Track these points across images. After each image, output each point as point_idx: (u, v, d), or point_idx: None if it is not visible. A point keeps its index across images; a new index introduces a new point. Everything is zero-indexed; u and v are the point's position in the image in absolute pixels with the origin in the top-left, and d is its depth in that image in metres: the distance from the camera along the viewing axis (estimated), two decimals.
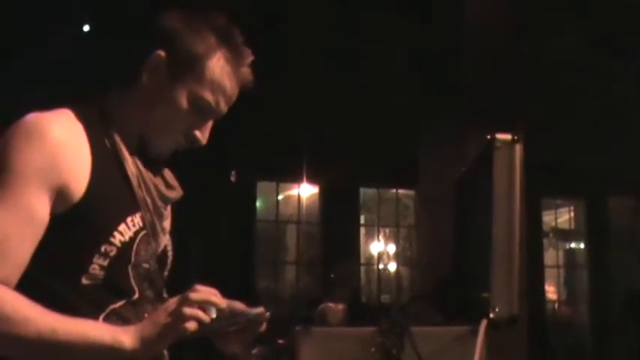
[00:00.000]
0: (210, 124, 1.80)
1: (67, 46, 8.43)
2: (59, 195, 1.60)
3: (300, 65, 10.31)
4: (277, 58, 9.86)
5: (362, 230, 12.79)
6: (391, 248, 13.25)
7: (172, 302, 1.59)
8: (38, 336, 1.51)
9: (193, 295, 1.57)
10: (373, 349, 2.09)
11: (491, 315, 2.00)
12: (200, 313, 1.56)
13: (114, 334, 1.56)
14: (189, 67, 1.72)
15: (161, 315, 1.57)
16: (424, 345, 2.07)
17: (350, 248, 11.91)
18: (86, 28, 8.86)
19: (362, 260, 12.58)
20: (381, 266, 13.10)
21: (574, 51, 10.69)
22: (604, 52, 10.56)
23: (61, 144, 1.61)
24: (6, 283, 1.54)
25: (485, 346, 2.06)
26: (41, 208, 1.59)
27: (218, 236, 10.17)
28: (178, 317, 1.55)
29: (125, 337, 1.56)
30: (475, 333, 2.00)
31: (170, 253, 1.84)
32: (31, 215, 1.57)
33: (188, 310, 1.55)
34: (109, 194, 1.66)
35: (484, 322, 2.00)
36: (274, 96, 9.85)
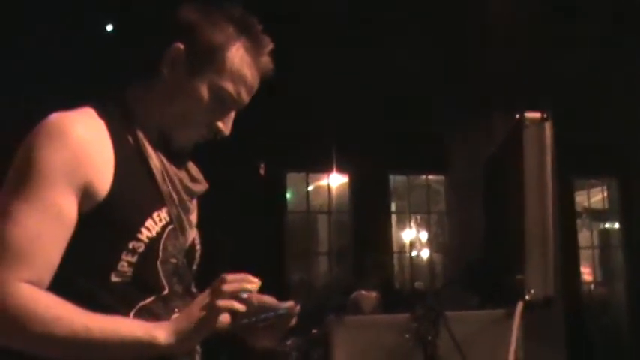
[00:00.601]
0: (232, 114, 1.79)
1: (88, 45, 8.48)
2: (85, 194, 1.60)
3: (326, 55, 10.27)
4: (301, 49, 9.84)
5: (393, 218, 12.74)
6: (423, 235, 13.20)
7: (205, 295, 1.58)
8: (73, 334, 1.52)
9: (225, 287, 1.56)
10: (407, 336, 2.07)
11: (526, 297, 1.97)
12: (235, 304, 1.55)
13: (148, 330, 1.56)
14: (209, 59, 1.72)
15: (195, 309, 1.57)
16: (459, 329, 2.05)
17: (382, 236, 11.89)
18: (109, 27, 8.91)
19: (394, 248, 12.55)
20: (413, 253, 13.07)
21: (607, 30, 10.55)
22: (638, 31, 10.41)
23: (84, 143, 1.61)
24: (38, 284, 1.55)
25: (522, 328, 2.04)
26: (69, 208, 1.59)
27: (249, 229, 10.18)
28: (212, 310, 1.55)
29: (159, 332, 1.56)
30: (511, 315, 1.98)
31: (198, 247, 1.84)
32: (60, 215, 1.57)
33: (222, 302, 1.54)
34: (134, 190, 1.66)
35: (520, 304, 1.97)
36: (300, 87, 9.86)
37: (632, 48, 10.47)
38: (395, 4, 9.73)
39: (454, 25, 6.31)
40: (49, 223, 1.56)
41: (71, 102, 1.71)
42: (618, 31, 10.55)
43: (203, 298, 1.58)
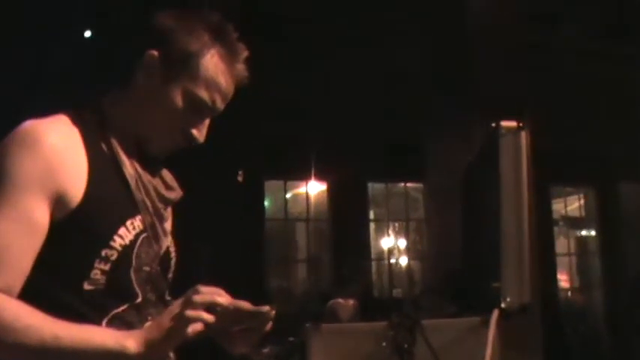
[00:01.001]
0: (207, 122, 1.79)
1: (65, 52, 8.44)
2: (57, 201, 1.59)
3: (304, 63, 10.29)
4: (281, 57, 9.84)
5: (372, 225, 12.75)
6: (402, 242, 13.21)
7: (176, 305, 1.57)
8: (41, 343, 1.50)
9: (196, 297, 1.55)
10: (384, 344, 2.07)
11: (502, 305, 1.98)
12: (204, 315, 1.54)
13: (118, 339, 1.54)
14: (183, 66, 1.71)
15: (165, 318, 1.56)
16: (436, 337, 2.05)
17: (360, 244, 11.89)
18: (87, 33, 8.87)
19: (373, 255, 12.55)
20: (392, 260, 13.08)
21: (583, 38, 10.64)
22: (614, 39, 10.51)
23: (57, 150, 1.60)
24: (8, 292, 1.53)
25: (499, 336, 2.05)
26: (40, 216, 1.57)
27: (227, 236, 10.15)
28: (182, 320, 1.53)
29: (129, 341, 1.54)
30: (487, 323, 1.99)
31: (173, 255, 1.83)
32: (31, 223, 1.56)
33: (191, 313, 1.53)
34: (107, 198, 1.65)
35: (496, 312, 1.98)
36: (278, 94, 9.86)
37: (612, 56, 10.56)
38: (376, 16, 9.77)
39: (433, 36, 6.34)
40: (20, 231, 1.55)
41: (48, 109, 1.71)
42: (597, 39, 10.64)
43: (174, 307, 1.57)
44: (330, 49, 10.37)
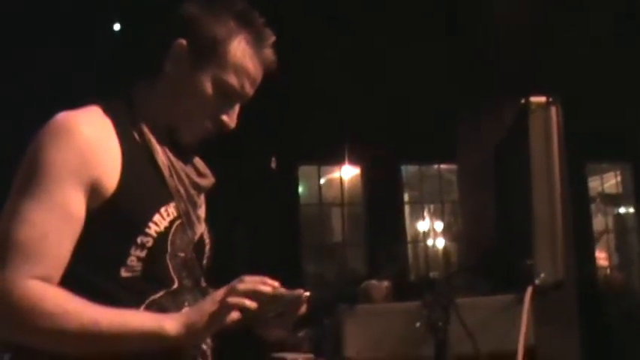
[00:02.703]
0: (237, 108, 1.80)
1: (95, 44, 8.50)
2: (92, 191, 1.61)
3: (335, 48, 10.27)
4: (312, 42, 9.84)
5: (406, 208, 12.73)
6: (437, 224, 13.17)
7: (220, 292, 1.60)
8: (82, 328, 1.53)
9: (240, 286, 1.58)
10: (418, 324, 2.07)
11: (536, 281, 1.96)
12: (246, 302, 1.56)
13: (157, 322, 1.57)
14: (211, 53, 1.72)
15: (207, 304, 1.59)
16: (470, 315, 2.04)
17: (395, 227, 11.88)
18: (117, 27, 8.92)
19: (408, 238, 12.53)
20: (428, 243, 13.04)
21: (623, 15, 10.48)
22: None
23: (91, 140, 1.63)
24: (48, 281, 1.56)
25: (534, 313, 2.04)
26: (77, 205, 1.60)
27: (263, 223, 10.20)
28: (223, 306, 1.56)
29: (168, 323, 1.57)
30: (521, 301, 1.97)
31: (207, 241, 1.84)
32: (68, 212, 1.59)
33: (233, 299, 1.56)
34: (141, 186, 1.67)
35: (529, 289, 1.97)
36: (310, 80, 9.86)
37: None
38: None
39: (461, 13, 6.28)
40: (57, 221, 1.57)
41: (80, 102, 1.73)
42: (634, 16, 10.48)
43: (218, 294, 1.60)
44: (362, 34, 10.34)
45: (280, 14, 1.83)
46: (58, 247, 1.58)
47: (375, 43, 10.42)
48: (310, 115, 10.32)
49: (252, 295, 1.57)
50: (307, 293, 1.65)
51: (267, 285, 1.60)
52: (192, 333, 1.57)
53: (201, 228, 1.81)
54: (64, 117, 1.65)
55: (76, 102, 1.72)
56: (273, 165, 9.93)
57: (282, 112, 9.81)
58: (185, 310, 1.64)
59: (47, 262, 1.56)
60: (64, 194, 1.58)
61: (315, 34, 9.87)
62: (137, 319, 1.58)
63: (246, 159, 9.27)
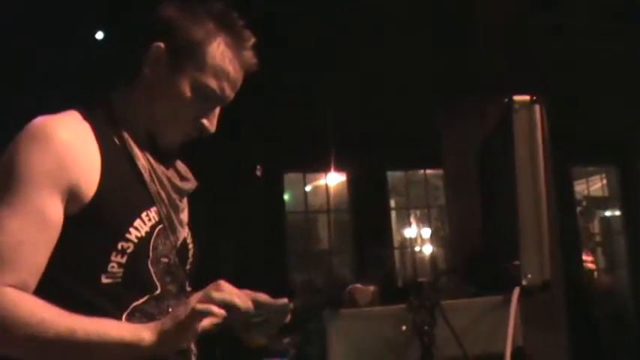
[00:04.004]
0: (217, 111, 1.79)
1: (73, 51, 8.49)
2: (71, 196, 1.59)
3: (319, 53, 10.26)
4: (295, 48, 9.83)
5: (393, 214, 12.73)
6: (424, 230, 13.19)
7: (194, 298, 1.58)
8: (57, 337, 1.50)
9: (215, 295, 1.56)
10: (404, 327, 2.05)
11: (523, 282, 1.95)
12: (215, 309, 1.53)
13: (134, 331, 1.55)
14: (190, 56, 1.71)
15: (181, 310, 1.56)
16: (457, 318, 2.03)
17: (382, 233, 11.87)
18: (99, 35, 8.90)
19: (395, 244, 12.54)
20: (415, 248, 13.06)
21: (607, 17, 10.51)
22: (632, 17, 10.37)
23: (69, 145, 1.60)
24: (23, 288, 1.53)
25: (521, 314, 2.02)
26: (54, 211, 1.57)
27: (249, 231, 10.18)
28: (192, 313, 1.53)
29: (145, 333, 1.54)
30: (508, 302, 1.96)
31: (191, 246, 1.82)
32: (44, 218, 1.56)
33: (201, 307, 1.53)
34: (121, 191, 1.65)
35: (516, 290, 1.95)
36: (294, 86, 9.85)
37: (632, 35, 10.43)
38: (386, 4, 9.72)
39: (444, 16, 6.29)
40: (33, 227, 1.55)
41: (59, 108, 1.71)
42: (618, 18, 10.52)
43: (192, 300, 1.58)
44: (346, 40, 10.34)
45: (267, 21, 1.81)
46: (34, 255, 1.55)
47: (360, 49, 10.41)
48: (295, 122, 10.30)
49: (225, 305, 1.55)
50: (291, 304, 1.64)
51: (242, 300, 1.58)
52: (166, 341, 1.54)
53: (184, 232, 1.79)
54: (42, 121, 1.63)
55: (54, 109, 1.70)
56: (259, 173, 9.90)
57: (267, 119, 9.80)
58: (163, 318, 1.61)
59: (22, 269, 1.53)
60: (40, 200, 1.55)
61: (301, 41, 9.86)
62: (114, 329, 1.55)
63: (232, 167, 9.24)
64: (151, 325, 1.57)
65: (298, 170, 11.88)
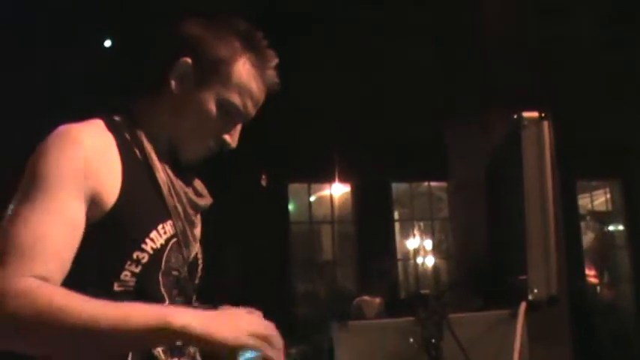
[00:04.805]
0: (239, 127, 1.82)
1: (94, 60, 8.51)
2: (93, 202, 1.60)
3: (326, 65, 10.29)
4: (303, 59, 9.85)
5: (397, 225, 12.73)
6: (427, 242, 13.18)
7: (258, 316, 1.59)
8: (80, 322, 1.44)
9: (276, 340, 1.54)
10: (412, 340, 2.06)
11: (530, 297, 1.96)
12: (258, 344, 1.52)
13: (160, 316, 1.47)
14: (216, 72, 1.74)
15: (238, 316, 1.55)
16: (464, 331, 2.04)
17: (386, 244, 11.87)
18: (107, 43, 8.92)
19: (398, 256, 12.53)
20: (418, 260, 13.04)
21: (610, 29, 10.51)
22: (633, 28, 10.37)
23: (95, 152, 1.63)
24: (48, 281, 1.49)
25: (527, 330, 2.03)
26: (78, 213, 1.58)
27: (253, 241, 10.18)
28: (246, 334, 1.51)
29: (176, 317, 1.47)
30: (515, 316, 1.97)
31: (200, 261, 1.84)
32: (69, 218, 1.56)
33: (253, 341, 1.51)
34: (140, 202, 1.67)
35: (523, 305, 1.96)
36: (300, 97, 9.86)
37: (636, 47, 10.44)
38: (392, 13, 9.75)
39: (450, 28, 6.31)
40: (57, 224, 1.54)
41: (74, 119, 1.72)
42: (622, 30, 10.52)
43: (256, 317, 1.58)
44: (351, 50, 10.36)
45: (272, 33, 1.83)
46: (60, 250, 1.54)
47: (366, 60, 10.44)
48: (300, 133, 10.32)
49: (265, 345, 1.53)
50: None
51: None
52: (202, 329, 1.47)
53: (196, 247, 1.81)
54: (70, 128, 1.65)
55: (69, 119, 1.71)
56: (264, 183, 9.92)
57: (273, 129, 9.81)
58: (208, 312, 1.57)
59: (46, 261, 1.51)
60: (66, 200, 1.56)
61: (306, 52, 9.88)
62: (139, 312, 1.48)
63: (237, 177, 9.25)
64: (184, 310, 1.53)
65: (303, 180, 11.89)
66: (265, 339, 1.53)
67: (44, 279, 1.49)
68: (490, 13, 5.85)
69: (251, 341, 1.51)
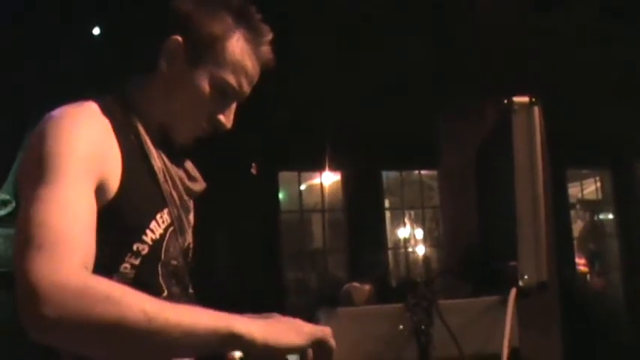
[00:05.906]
0: (233, 107, 1.76)
1: (83, 43, 8.46)
2: (99, 188, 1.50)
3: (316, 53, 10.26)
4: (291, 48, 9.81)
5: (387, 214, 12.75)
6: (418, 230, 13.21)
7: (318, 327, 1.52)
8: (147, 317, 1.31)
9: (332, 343, 1.51)
10: (401, 326, 2.05)
11: (520, 283, 1.96)
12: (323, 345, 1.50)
13: (227, 321, 1.37)
14: (209, 50, 1.68)
15: (300, 324, 1.48)
16: (453, 318, 2.03)
17: (376, 233, 11.88)
18: (96, 31, 8.86)
19: (389, 244, 12.55)
20: (409, 249, 13.07)
21: (600, 19, 10.51)
22: (631, 21, 10.38)
23: (100, 135, 1.56)
24: (88, 269, 1.38)
25: (517, 317, 2.02)
26: (91, 198, 1.47)
27: (243, 229, 10.17)
28: (328, 333, 1.50)
29: (238, 324, 1.37)
30: (505, 302, 1.96)
31: (191, 246, 1.80)
32: (87, 202, 1.45)
33: (333, 341, 1.50)
34: (139, 191, 1.61)
35: (513, 291, 1.96)
36: (290, 85, 9.83)
37: (626, 37, 10.45)
38: (385, 5, 9.73)
39: (441, 16, 6.29)
40: (79, 209, 1.42)
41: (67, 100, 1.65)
42: (611, 21, 10.52)
43: (319, 328, 1.51)
44: (342, 38, 10.33)
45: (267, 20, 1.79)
46: (86, 236, 1.41)
47: (357, 47, 10.41)
48: (290, 121, 10.30)
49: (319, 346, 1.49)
50: None
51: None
52: (265, 338, 1.39)
53: (190, 234, 1.77)
54: (72, 110, 1.56)
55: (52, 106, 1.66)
56: (254, 171, 9.90)
57: (263, 117, 9.79)
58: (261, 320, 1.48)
59: (81, 249, 1.37)
60: (79, 185, 1.44)
61: (297, 40, 9.86)
62: (207, 317, 1.37)
63: (226, 165, 9.23)
64: (252, 320, 1.42)
65: (293, 169, 11.88)
66: (320, 342, 1.48)
67: (87, 269, 1.37)
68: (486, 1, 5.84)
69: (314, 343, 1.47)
